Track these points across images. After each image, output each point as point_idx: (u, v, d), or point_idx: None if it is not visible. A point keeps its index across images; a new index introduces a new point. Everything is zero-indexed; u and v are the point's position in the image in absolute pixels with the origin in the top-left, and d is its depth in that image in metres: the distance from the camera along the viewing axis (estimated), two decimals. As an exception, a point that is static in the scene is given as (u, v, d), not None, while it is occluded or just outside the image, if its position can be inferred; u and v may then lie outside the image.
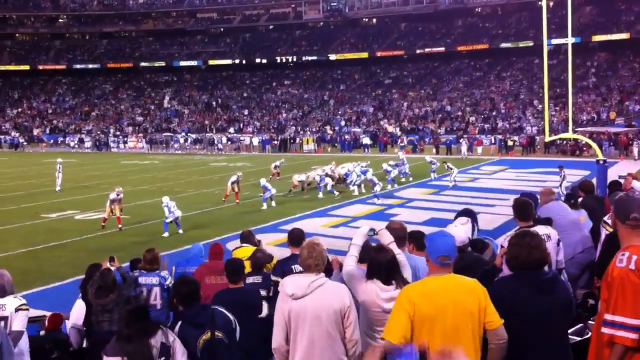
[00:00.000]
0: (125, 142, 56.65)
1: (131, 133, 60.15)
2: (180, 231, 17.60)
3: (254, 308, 5.88)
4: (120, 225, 18.31)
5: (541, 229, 5.63)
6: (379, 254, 4.51)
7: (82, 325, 6.92)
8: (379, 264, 4.40)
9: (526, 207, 5.86)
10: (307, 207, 21.66)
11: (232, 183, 22.52)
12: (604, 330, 3.41)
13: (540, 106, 40.91)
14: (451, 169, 26.01)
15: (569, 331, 4.58)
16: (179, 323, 4.62)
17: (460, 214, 6.29)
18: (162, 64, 72.70)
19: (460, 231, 5.10)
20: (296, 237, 6.59)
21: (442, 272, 3.71)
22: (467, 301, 3.61)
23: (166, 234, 17.37)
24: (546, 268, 4.12)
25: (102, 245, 15.92)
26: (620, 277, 3.39)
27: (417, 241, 5.22)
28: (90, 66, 73.46)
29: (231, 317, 4.81)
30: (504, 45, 58.95)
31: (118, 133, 60.55)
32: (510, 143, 41.92)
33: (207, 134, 56.37)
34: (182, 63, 72.30)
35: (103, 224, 18.43)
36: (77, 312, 7.11)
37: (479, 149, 41.65)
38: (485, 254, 5.73)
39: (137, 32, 77.54)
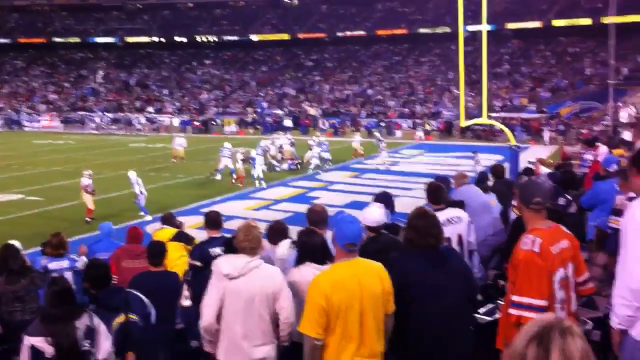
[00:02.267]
0: (38, 121, 54.50)
1: (44, 111, 57.86)
2: (142, 213, 17.00)
3: (174, 292, 5.88)
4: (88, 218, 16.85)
5: (453, 212, 5.90)
6: (310, 237, 4.61)
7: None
8: (313, 247, 4.50)
9: (438, 191, 6.12)
10: (229, 190, 21.58)
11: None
12: (511, 311, 3.61)
13: (457, 92, 41.87)
14: (382, 150, 26.94)
15: (480, 311, 4.82)
16: (92, 306, 4.61)
17: (377, 198, 6.44)
18: (77, 40, 70.04)
19: (376, 212, 5.21)
20: (212, 220, 6.62)
21: (349, 258, 3.83)
22: (374, 285, 3.77)
23: (148, 216, 16.71)
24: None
25: (14, 230, 15.35)
26: (525, 260, 3.61)
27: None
28: (1, 41, 69.96)
29: (146, 300, 4.83)
30: (422, 30, 59.98)
31: (30, 111, 58.09)
32: (428, 127, 42.88)
33: (125, 114, 54.94)
34: (98, 39, 69.90)
35: (89, 218, 16.78)
36: None
37: (398, 133, 42.41)
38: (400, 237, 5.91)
39: (51, 6, 74.30)
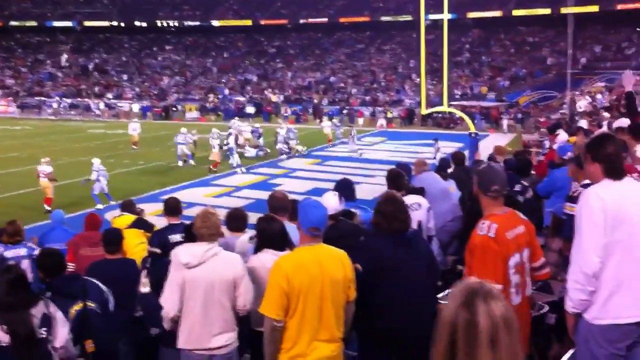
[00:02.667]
0: (-7, 106, 53.18)
1: (0, 96, 56.47)
2: (112, 202, 16.71)
3: (132, 280, 5.80)
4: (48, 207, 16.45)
5: (412, 198, 5.97)
6: (269, 223, 4.60)
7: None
8: (272, 234, 4.50)
9: (398, 177, 6.20)
10: (190, 176, 21.43)
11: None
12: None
13: (418, 80, 42.31)
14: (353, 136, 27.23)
15: (439, 296, 4.89)
16: (48, 294, 4.53)
17: (338, 185, 6.46)
18: (34, 23, 68.36)
19: (332, 200, 5.25)
20: (172, 207, 6.57)
21: (313, 242, 3.86)
22: (336, 271, 3.81)
23: (100, 206, 16.48)
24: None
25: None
26: (482, 245, 3.67)
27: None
28: (-47, 24, 67.94)
29: (104, 287, 4.81)
30: (384, 18, 60.11)
31: (-15, 96, 56.63)
32: (389, 115, 43.07)
33: (83, 100, 53.96)
34: (56, 23, 68.33)
35: (48, 207, 16.30)
36: None
37: (360, 121, 42.53)
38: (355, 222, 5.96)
39: (6, -11, 72.36)
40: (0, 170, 21.30)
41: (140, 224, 7.45)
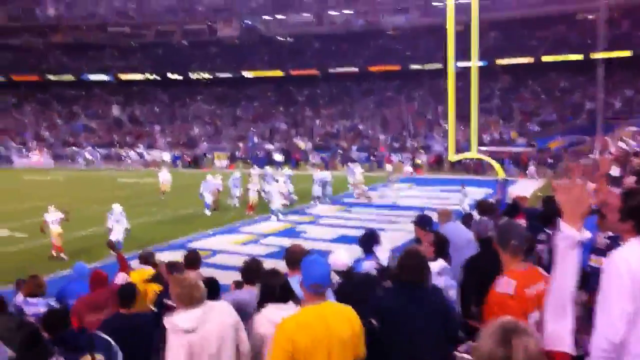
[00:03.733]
0: (28, 157, 54.43)
1: (35, 147, 57.82)
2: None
3: (147, 334, 5.68)
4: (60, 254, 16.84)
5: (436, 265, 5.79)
6: (270, 278, 4.50)
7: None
8: (273, 288, 4.39)
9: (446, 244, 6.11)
10: (217, 224, 21.43)
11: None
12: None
13: (447, 126, 42.19)
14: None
15: (460, 349, 4.70)
16: (56, 348, 4.47)
17: (362, 238, 6.31)
18: (71, 77, 70.33)
19: (342, 255, 5.14)
20: (191, 260, 6.50)
21: (317, 301, 3.71)
22: (342, 330, 3.66)
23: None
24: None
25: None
26: (499, 302, 3.52)
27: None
28: (-6, 78, 70.15)
29: (111, 340, 4.72)
30: (413, 66, 60.52)
31: (21, 147, 58.02)
32: (417, 161, 42.91)
33: (115, 149, 54.93)
34: (92, 77, 70.20)
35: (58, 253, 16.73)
36: None
37: (388, 167, 42.36)
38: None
39: (45, 44, 74.68)
40: (30, 219, 21.52)
41: (158, 279, 7.34)
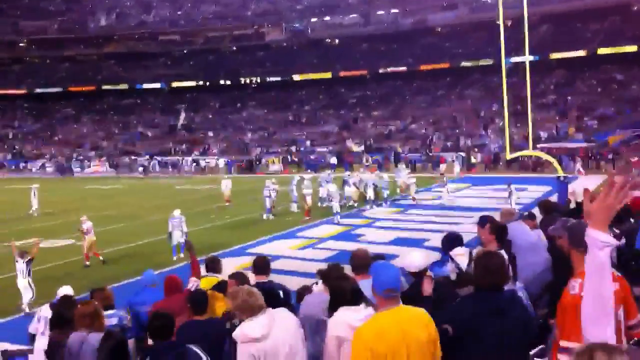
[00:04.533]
0: (88, 167, 56.00)
1: (94, 157, 59.44)
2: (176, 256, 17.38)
3: (219, 341, 5.80)
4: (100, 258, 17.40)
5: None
6: (342, 282, 4.56)
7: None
8: (343, 291, 4.44)
9: (503, 231, 6.05)
10: (275, 229, 21.62)
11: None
12: (560, 357, 3.48)
13: (501, 123, 41.67)
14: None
15: (531, 353, 4.66)
16: (148, 358, 4.52)
17: (450, 241, 6.30)
18: (125, 86, 72.09)
19: (417, 257, 5.16)
20: (260, 266, 6.57)
21: (391, 305, 3.73)
22: (419, 334, 3.67)
23: (174, 258, 17.19)
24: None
25: (67, 274, 15.62)
26: (573, 304, 3.47)
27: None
28: (52, 90, 72.40)
29: (204, 357, 4.68)
30: (464, 64, 59.89)
31: (81, 157, 59.73)
32: (472, 160, 42.42)
33: (171, 157, 56.00)
34: (145, 85, 71.79)
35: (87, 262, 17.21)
36: (42, 350, 6.83)
37: (442, 167, 42.04)
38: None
39: (99, 55, 76.79)
40: (93, 229, 22.14)
41: (221, 287, 7.42)
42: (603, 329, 2.66)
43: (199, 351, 4.68)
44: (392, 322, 3.67)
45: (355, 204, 26.01)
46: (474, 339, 3.86)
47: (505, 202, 22.61)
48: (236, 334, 4.29)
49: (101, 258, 17.37)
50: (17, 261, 12.92)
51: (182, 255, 17.21)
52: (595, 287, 2.67)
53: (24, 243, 20.60)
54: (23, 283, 12.75)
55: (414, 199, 26.97)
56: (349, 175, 28.67)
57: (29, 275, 12.81)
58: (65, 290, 7.88)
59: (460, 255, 5.73)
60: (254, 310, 4.25)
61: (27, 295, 12.69)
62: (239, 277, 6.73)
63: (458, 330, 3.84)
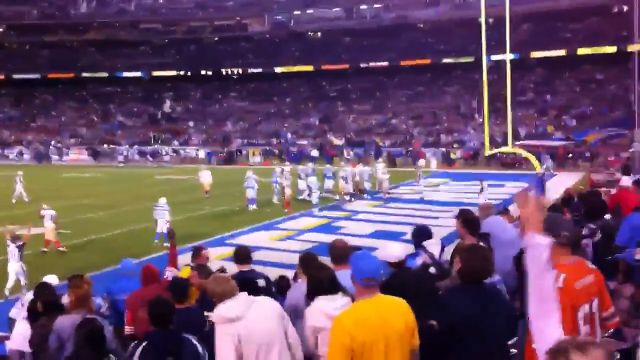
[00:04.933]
0: (66, 154, 55.49)
1: (73, 145, 58.89)
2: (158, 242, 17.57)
3: (198, 329, 5.84)
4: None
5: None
6: (320, 271, 4.63)
7: (30, 349, 6.52)
8: (321, 282, 4.51)
9: (474, 222, 6.12)
10: (255, 220, 21.67)
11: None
12: (535, 346, 3.59)
13: (481, 120, 42.05)
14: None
15: (508, 342, 4.77)
16: (143, 344, 4.54)
17: (420, 233, 6.38)
18: (105, 74, 71.36)
19: (396, 248, 5.25)
20: (242, 255, 6.63)
21: (370, 294, 3.80)
22: (397, 322, 3.74)
23: (157, 241, 17.57)
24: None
25: (40, 262, 15.51)
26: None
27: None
28: (31, 76, 71.43)
29: (200, 348, 4.71)
30: (445, 60, 60.13)
31: (59, 145, 59.13)
32: (452, 156, 42.72)
33: (151, 146, 55.67)
34: (126, 74, 71.14)
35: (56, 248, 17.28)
36: (22, 335, 6.85)
37: (422, 162, 42.29)
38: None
39: (79, 42, 75.88)
40: (72, 217, 22.01)
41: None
42: (548, 321, 2.77)
43: (194, 340, 4.72)
44: (371, 310, 3.74)
45: (337, 197, 26.08)
46: (463, 332, 3.92)
47: (477, 197, 22.97)
48: (213, 315, 4.36)
49: (62, 249, 17.33)
50: (8, 245, 13.09)
51: (165, 244, 17.18)
52: (537, 283, 2.78)
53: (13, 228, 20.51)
54: (14, 267, 12.96)
55: (387, 193, 27.06)
56: (343, 169, 28.58)
57: (20, 259, 13.01)
58: (51, 279, 7.92)
59: (433, 245, 5.82)
60: (225, 294, 4.30)
61: (20, 278, 12.99)
62: (201, 270, 6.76)
63: (447, 323, 3.88)
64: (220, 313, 4.26)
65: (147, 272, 7.10)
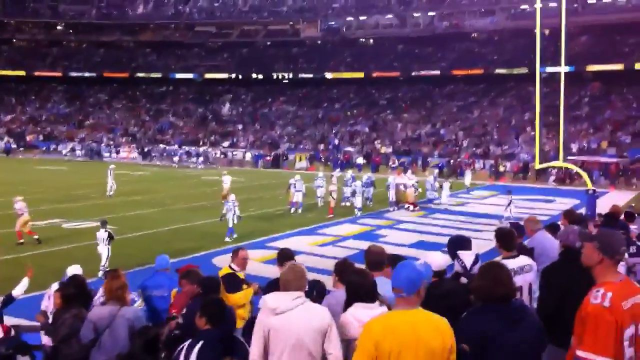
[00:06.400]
0: (117, 152, 56.61)
1: (124, 143, 60.06)
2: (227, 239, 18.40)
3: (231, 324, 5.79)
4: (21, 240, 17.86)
5: (524, 260, 5.63)
6: (357, 278, 4.49)
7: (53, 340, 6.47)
8: (357, 288, 4.38)
9: (509, 236, 5.85)
10: (296, 225, 21.63)
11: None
12: None
13: (533, 133, 41.29)
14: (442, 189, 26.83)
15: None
16: (200, 343, 4.49)
17: (456, 242, 6.19)
18: (159, 75, 72.68)
19: (438, 257, 5.10)
20: (284, 257, 6.55)
21: (407, 306, 3.61)
22: (431, 339, 3.50)
23: (228, 239, 18.36)
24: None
25: (90, 255, 15.74)
26: (594, 314, 3.40)
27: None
28: (86, 74, 73.23)
29: (247, 346, 4.60)
30: (498, 71, 59.26)
31: (111, 142, 60.41)
32: (501, 169, 42.01)
33: (200, 147, 56.35)
34: (179, 75, 72.32)
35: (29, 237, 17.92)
36: None
37: (469, 174, 41.73)
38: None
39: (135, 42, 77.51)
40: (120, 213, 22.38)
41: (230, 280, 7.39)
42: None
43: (242, 340, 4.70)
44: (404, 321, 3.54)
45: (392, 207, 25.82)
46: (491, 353, 3.71)
47: (504, 211, 22.61)
48: (262, 299, 4.39)
49: (36, 237, 17.94)
50: (98, 231, 14.90)
51: (227, 239, 18.31)
52: None
53: (47, 223, 21.00)
54: (103, 250, 14.70)
55: (413, 204, 26.34)
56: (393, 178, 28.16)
57: (108, 244, 14.72)
58: (75, 269, 7.97)
59: (467, 255, 5.61)
60: (289, 287, 4.27)
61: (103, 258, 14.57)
62: (191, 276, 6.63)
63: (473, 344, 3.68)
64: (265, 300, 4.27)
65: (187, 271, 6.90)
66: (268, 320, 4.15)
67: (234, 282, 7.27)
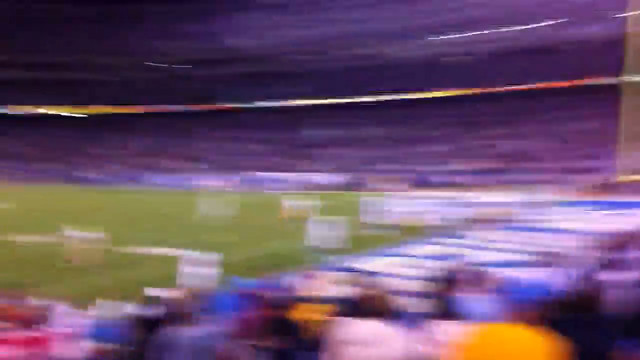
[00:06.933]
0: (202, 180, 58.00)
1: (208, 170, 61.27)
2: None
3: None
4: None
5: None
6: (446, 295, 4.60)
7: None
8: (443, 304, 4.48)
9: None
10: (374, 245, 21.54)
11: None
12: None
13: (620, 145, 39.69)
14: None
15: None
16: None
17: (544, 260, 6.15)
18: (243, 104, 74.50)
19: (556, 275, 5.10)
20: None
21: (504, 322, 3.60)
22: (521, 357, 3.41)
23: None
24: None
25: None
26: None
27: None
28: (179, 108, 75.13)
29: None
30: (585, 82, 57.55)
31: (195, 170, 61.77)
32: (588, 183, 40.60)
33: (282, 172, 57.09)
34: (263, 103, 73.52)
35: None
36: None
37: (554, 189, 40.50)
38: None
39: (223, 73, 79.32)
40: (196, 237, 23.02)
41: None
42: None
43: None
44: (494, 335, 3.54)
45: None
46: None
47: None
48: (339, 327, 4.34)
49: None
50: None
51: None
52: None
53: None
54: None
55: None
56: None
57: None
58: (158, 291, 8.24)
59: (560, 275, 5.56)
60: (370, 312, 4.31)
61: None
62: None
63: None
64: (349, 328, 4.25)
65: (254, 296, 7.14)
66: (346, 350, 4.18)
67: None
